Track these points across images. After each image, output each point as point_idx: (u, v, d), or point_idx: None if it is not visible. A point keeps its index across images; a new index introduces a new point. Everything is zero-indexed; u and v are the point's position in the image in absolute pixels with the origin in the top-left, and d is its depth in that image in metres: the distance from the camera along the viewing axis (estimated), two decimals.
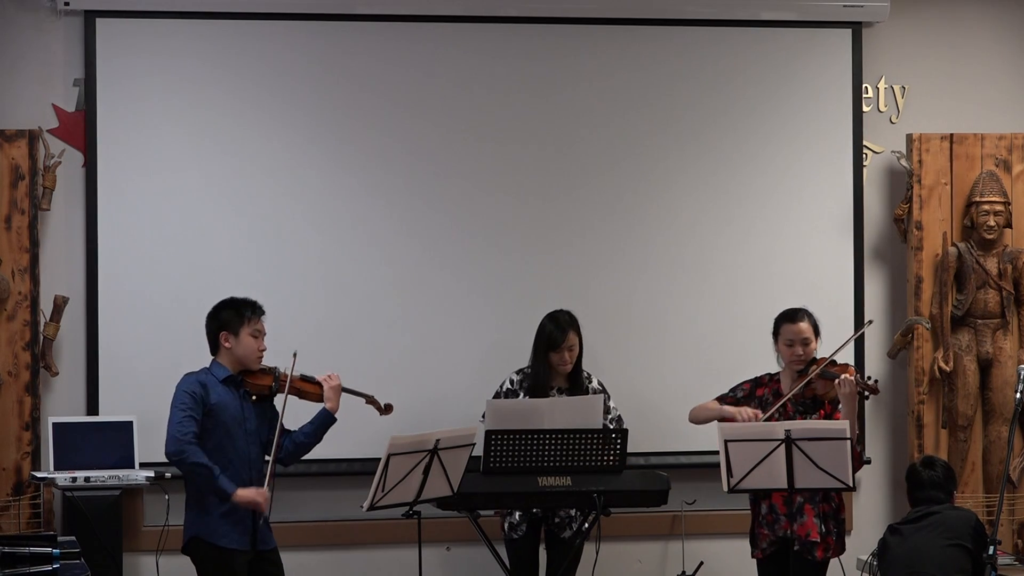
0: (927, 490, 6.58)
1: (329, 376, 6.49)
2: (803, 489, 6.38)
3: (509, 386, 7.11)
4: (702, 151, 7.85)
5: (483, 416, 6.91)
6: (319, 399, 6.48)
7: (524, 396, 7.05)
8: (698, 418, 6.82)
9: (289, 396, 6.40)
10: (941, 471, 6.61)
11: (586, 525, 6.96)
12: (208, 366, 6.41)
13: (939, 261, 7.83)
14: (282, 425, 6.36)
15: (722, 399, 6.81)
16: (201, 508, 6.30)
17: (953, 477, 6.64)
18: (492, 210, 7.71)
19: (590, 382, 7.15)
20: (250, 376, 6.41)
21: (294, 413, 6.49)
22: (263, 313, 6.44)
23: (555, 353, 7.02)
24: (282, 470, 6.51)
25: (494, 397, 7.09)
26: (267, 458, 6.35)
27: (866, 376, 6.80)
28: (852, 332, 7.81)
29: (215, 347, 6.41)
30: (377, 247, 7.64)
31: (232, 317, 6.38)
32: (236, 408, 6.35)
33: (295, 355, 6.37)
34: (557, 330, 7.02)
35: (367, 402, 6.66)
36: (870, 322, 6.69)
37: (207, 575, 6.37)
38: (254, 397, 6.42)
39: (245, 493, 6.22)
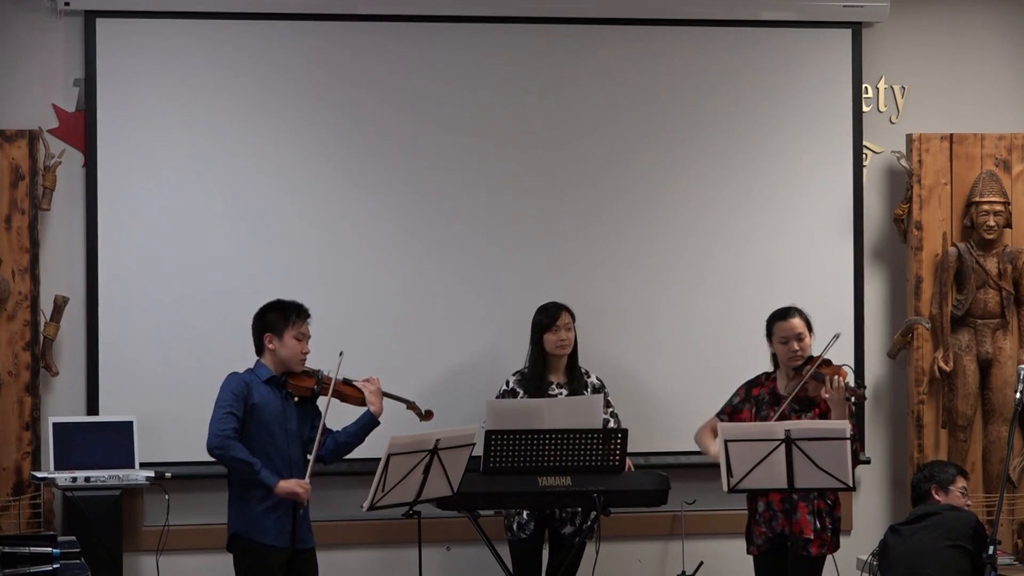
0: (913, 490, 6.78)
1: (369, 380, 6.59)
2: (803, 489, 6.39)
3: (505, 387, 7.12)
4: (702, 151, 7.85)
5: (484, 421, 6.94)
6: (359, 403, 6.58)
7: (523, 395, 7.05)
8: (698, 444, 6.87)
9: (326, 395, 6.50)
10: (919, 473, 6.81)
11: (587, 523, 6.97)
12: (252, 367, 6.50)
13: (939, 261, 7.83)
14: (324, 425, 6.46)
15: (720, 413, 6.81)
16: (243, 505, 6.39)
17: (932, 475, 6.73)
18: (492, 209, 7.71)
19: (588, 377, 7.17)
20: (293, 378, 6.51)
21: (335, 414, 6.54)
22: (308, 316, 6.53)
23: (551, 334, 7.06)
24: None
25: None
26: (309, 456, 6.47)
27: (857, 381, 6.80)
28: (852, 332, 7.83)
29: (260, 348, 6.51)
30: (377, 246, 7.64)
31: (277, 319, 6.48)
32: (278, 408, 6.45)
33: (341, 355, 6.46)
34: (551, 309, 7.10)
35: (407, 407, 6.74)
36: (837, 335, 6.60)
37: (245, 571, 6.43)
38: (296, 398, 6.51)
39: (286, 485, 6.34)
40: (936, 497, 6.67)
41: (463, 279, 7.69)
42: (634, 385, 7.72)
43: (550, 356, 7.10)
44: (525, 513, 6.99)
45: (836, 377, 6.53)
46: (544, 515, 7.02)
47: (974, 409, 7.85)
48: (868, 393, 7.62)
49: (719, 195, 7.86)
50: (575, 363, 7.15)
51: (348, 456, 6.67)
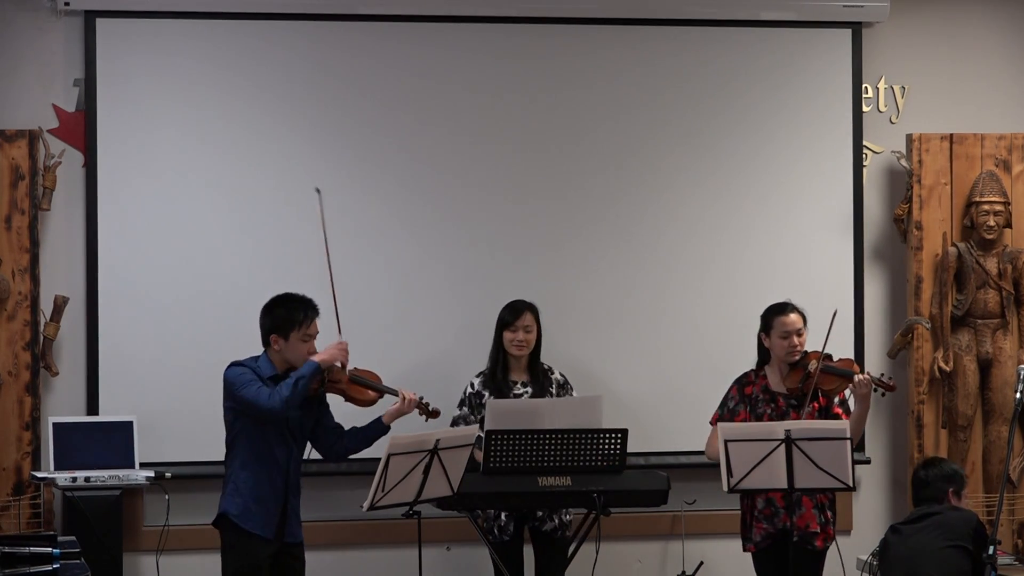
0: (919, 489, 6.70)
1: (406, 400, 6.55)
2: (803, 489, 6.39)
3: (471, 390, 7.11)
4: (702, 151, 7.85)
5: (452, 421, 6.99)
6: (363, 404, 6.54)
7: (488, 396, 7.04)
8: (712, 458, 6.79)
9: (334, 393, 6.50)
10: (935, 470, 6.71)
11: (568, 517, 6.99)
12: (257, 358, 6.45)
13: (939, 261, 7.83)
14: (333, 424, 6.51)
15: (720, 420, 6.77)
16: (234, 488, 6.35)
17: (951, 477, 6.67)
18: (492, 209, 7.71)
19: (552, 374, 7.16)
20: None
21: (336, 407, 6.57)
22: (317, 314, 6.47)
23: (509, 332, 7.04)
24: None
25: (459, 404, 7.10)
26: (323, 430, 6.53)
27: (879, 373, 6.80)
28: (852, 332, 7.85)
29: (266, 342, 6.46)
30: (377, 246, 7.64)
31: (284, 320, 6.41)
32: None
33: (319, 193, 6.48)
34: (516, 307, 7.09)
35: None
36: (835, 312, 6.64)
37: (228, 555, 6.40)
38: None
39: (323, 355, 6.38)
40: (951, 501, 6.64)
41: (461, 279, 7.68)
42: (634, 385, 7.72)
43: (508, 354, 7.10)
44: (503, 515, 6.98)
45: (859, 375, 6.55)
46: (521, 514, 7.01)
47: (974, 409, 7.85)
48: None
49: (719, 195, 7.86)
50: (536, 361, 7.14)
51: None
